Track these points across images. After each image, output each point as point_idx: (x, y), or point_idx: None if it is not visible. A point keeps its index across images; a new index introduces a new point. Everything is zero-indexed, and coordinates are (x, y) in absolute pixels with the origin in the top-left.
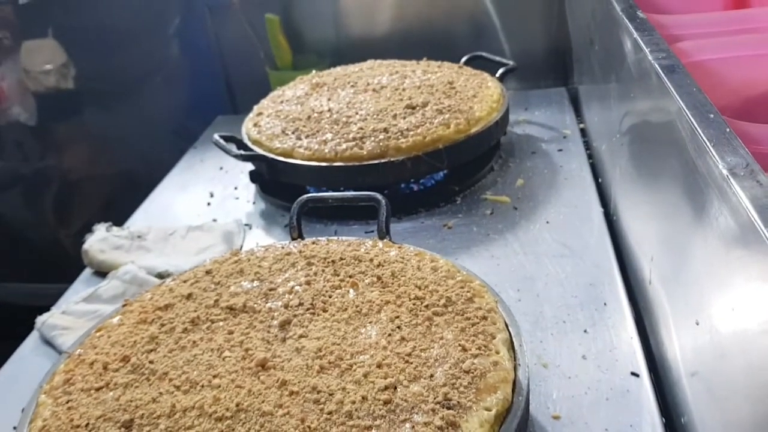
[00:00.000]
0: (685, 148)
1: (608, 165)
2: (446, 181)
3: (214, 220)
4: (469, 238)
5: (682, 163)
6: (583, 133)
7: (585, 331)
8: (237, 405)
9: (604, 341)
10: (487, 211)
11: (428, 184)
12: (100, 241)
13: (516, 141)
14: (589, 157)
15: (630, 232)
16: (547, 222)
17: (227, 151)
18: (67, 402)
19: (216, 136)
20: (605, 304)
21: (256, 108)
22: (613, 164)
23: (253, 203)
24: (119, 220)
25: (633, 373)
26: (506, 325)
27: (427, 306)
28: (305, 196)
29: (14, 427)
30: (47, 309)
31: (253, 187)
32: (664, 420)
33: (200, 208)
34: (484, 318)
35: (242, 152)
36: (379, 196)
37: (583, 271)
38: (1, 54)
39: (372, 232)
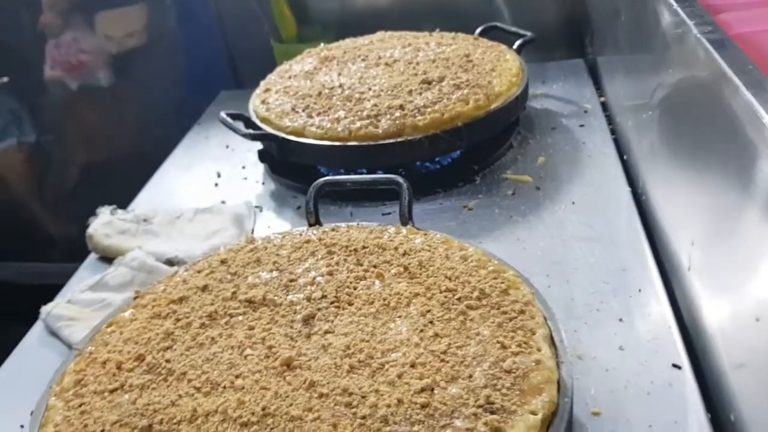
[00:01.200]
0: (740, 124)
1: (636, 141)
2: (464, 160)
3: (223, 202)
4: (491, 220)
5: (734, 140)
6: (604, 107)
7: (620, 319)
8: (263, 409)
9: (641, 331)
10: (508, 191)
11: (444, 163)
12: (104, 225)
13: (535, 116)
14: (612, 132)
15: (662, 213)
16: (573, 202)
17: (235, 131)
18: (80, 405)
19: (223, 114)
20: (639, 290)
21: (262, 84)
22: (642, 140)
23: (263, 184)
24: (121, 200)
25: (674, 365)
26: (545, 319)
27: (459, 299)
28: (322, 179)
29: (21, 426)
30: (52, 288)
31: (261, 166)
32: (710, 416)
33: (207, 190)
34: (522, 312)
35: (251, 131)
36: (399, 179)
37: (614, 255)
38: None
39: (389, 214)
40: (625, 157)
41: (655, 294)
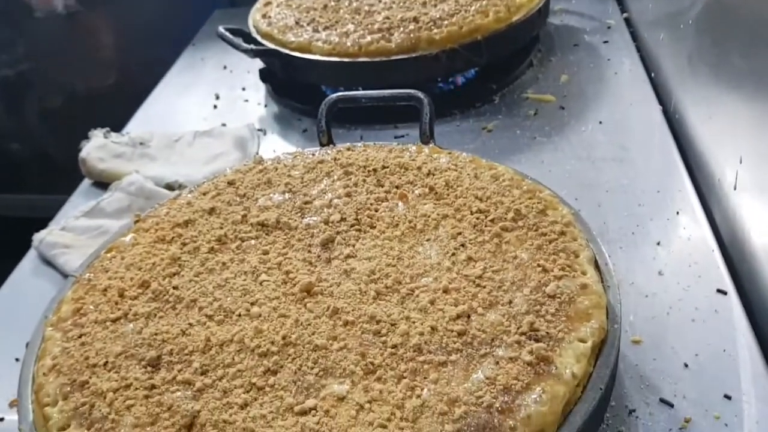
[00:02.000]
0: None
1: (667, 56)
2: (481, 79)
3: (224, 125)
4: (512, 141)
5: None
6: (627, 23)
7: (658, 243)
8: (283, 338)
9: (682, 255)
10: (530, 111)
11: (460, 82)
12: (98, 148)
13: (555, 32)
14: (637, 50)
15: (699, 132)
16: (600, 122)
17: (235, 46)
18: (80, 336)
19: (221, 29)
20: (677, 213)
21: None
22: (677, 54)
23: (265, 106)
24: (115, 125)
25: (719, 291)
26: (587, 241)
27: (493, 220)
28: (334, 95)
29: (17, 359)
30: (43, 221)
31: (263, 87)
32: (759, 343)
33: (206, 112)
34: (563, 233)
35: (253, 47)
36: (420, 94)
37: (648, 176)
38: None
39: (403, 137)
40: (653, 75)
41: (693, 216)
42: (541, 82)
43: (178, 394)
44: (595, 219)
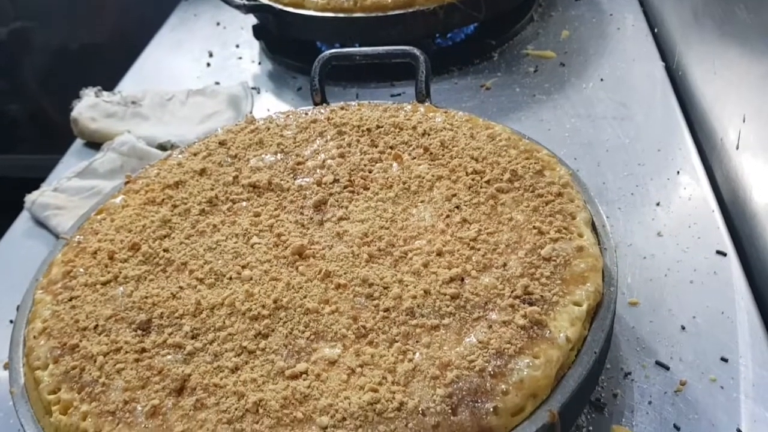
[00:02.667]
0: None
1: (671, 11)
2: (480, 35)
3: (217, 83)
4: (511, 99)
5: None
6: None
7: (657, 204)
8: (275, 301)
9: (682, 215)
10: (529, 68)
11: (458, 38)
12: (90, 108)
13: None
14: (640, 4)
15: (702, 88)
16: (602, 79)
17: (228, 2)
18: (70, 299)
19: None
20: (678, 172)
21: None
22: (681, 9)
23: (259, 64)
24: (109, 84)
25: (719, 252)
26: (584, 203)
27: (488, 181)
28: (328, 52)
29: (11, 321)
30: (37, 181)
31: (257, 44)
32: (758, 305)
33: (199, 70)
34: (559, 194)
35: (246, 2)
36: (416, 51)
37: (649, 135)
38: None
39: (399, 95)
40: (656, 30)
41: (694, 175)
42: (541, 38)
43: (169, 357)
44: (595, 179)
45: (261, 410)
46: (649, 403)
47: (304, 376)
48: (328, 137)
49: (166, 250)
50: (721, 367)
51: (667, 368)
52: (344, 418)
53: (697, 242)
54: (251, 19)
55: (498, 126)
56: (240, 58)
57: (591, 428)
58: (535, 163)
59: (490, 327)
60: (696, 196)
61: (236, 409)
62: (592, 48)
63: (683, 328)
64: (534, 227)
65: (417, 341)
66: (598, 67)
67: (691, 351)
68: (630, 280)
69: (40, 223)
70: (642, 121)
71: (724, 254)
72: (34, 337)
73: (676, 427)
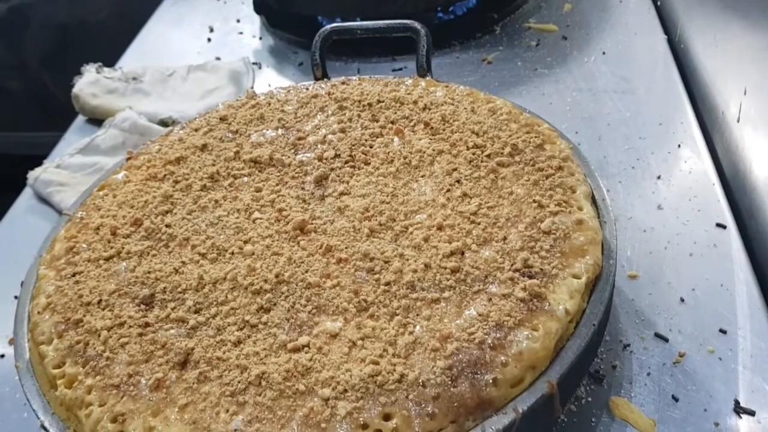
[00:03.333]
0: None
1: None
2: (482, 8)
3: (218, 59)
4: (513, 73)
5: None
6: None
7: (658, 177)
8: (276, 276)
9: (682, 189)
10: (532, 42)
11: (459, 12)
12: (91, 84)
13: None
14: None
15: (704, 61)
16: (604, 53)
17: None
18: (73, 275)
19: None
20: (679, 145)
21: None
22: None
23: (260, 39)
24: (106, 61)
25: (719, 225)
26: (584, 176)
27: (489, 155)
28: (329, 26)
29: (15, 297)
30: (40, 158)
31: (257, 19)
32: (757, 277)
33: (200, 45)
34: (560, 168)
35: None
36: (417, 24)
37: (650, 108)
38: None
39: (401, 69)
40: (658, 3)
41: (695, 149)
42: (543, 11)
43: (172, 331)
44: (596, 152)
45: (264, 383)
46: (648, 374)
47: (305, 349)
48: (329, 112)
49: (168, 226)
50: (719, 339)
51: (666, 340)
52: (346, 390)
53: (697, 215)
54: None
55: (499, 100)
56: (241, 33)
57: (590, 399)
58: (535, 137)
59: (490, 300)
60: (697, 169)
61: (239, 382)
62: (595, 21)
63: (682, 300)
64: (534, 201)
65: (417, 314)
66: (600, 40)
67: (690, 323)
68: (630, 253)
69: (43, 200)
70: (643, 95)
71: (724, 227)
72: (39, 312)
73: (674, 398)
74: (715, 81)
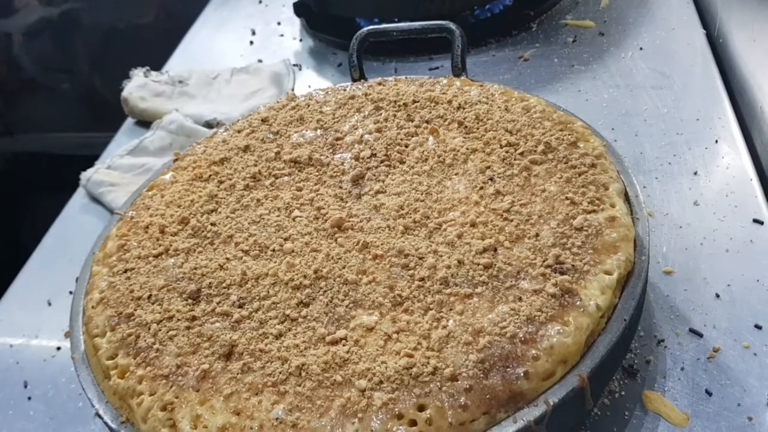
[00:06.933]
0: None
1: None
2: (518, 5)
3: (260, 61)
4: (549, 70)
5: None
6: None
7: (695, 173)
8: (315, 272)
9: (719, 184)
10: (568, 38)
11: (496, 10)
12: (139, 87)
13: None
14: None
15: (744, 56)
16: (641, 48)
17: None
18: (125, 271)
19: None
20: (716, 141)
21: None
22: None
23: (300, 41)
24: (153, 65)
25: (756, 221)
26: (618, 173)
27: (522, 153)
28: (365, 29)
29: (70, 292)
30: (91, 158)
31: (297, 21)
32: None
33: (242, 48)
34: (593, 166)
35: None
36: (452, 25)
37: (688, 104)
38: None
39: (437, 68)
40: None
41: (733, 145)
42: (580, 7)
43: (217, 325)
44: (632, 148)
45: (303, 374)
46: (682, 369)
47: (343, 341)
48: (366, 112)
49: (213, 224)
50: (754, 334)
51: (701, 335)
52: (381, 382)
53: (733, 211)
54: None
55: (533, 98)
56: (281, 35)
57: (623, 393)
58: (569, 134)
59: (522, 295)
60: (734, 164)
61: (280, 373)
62: (632, 17)
63: (717, 296)
64: (566, 198)
65: (451, 309)
66: (637, 36)
67: (725, 318)
68: (665, 249)
69: (96, 199)
70: (681, 90)
71: (761, 223)
72: (93, 306)
73: (708, 392)
74: (754, 76)
